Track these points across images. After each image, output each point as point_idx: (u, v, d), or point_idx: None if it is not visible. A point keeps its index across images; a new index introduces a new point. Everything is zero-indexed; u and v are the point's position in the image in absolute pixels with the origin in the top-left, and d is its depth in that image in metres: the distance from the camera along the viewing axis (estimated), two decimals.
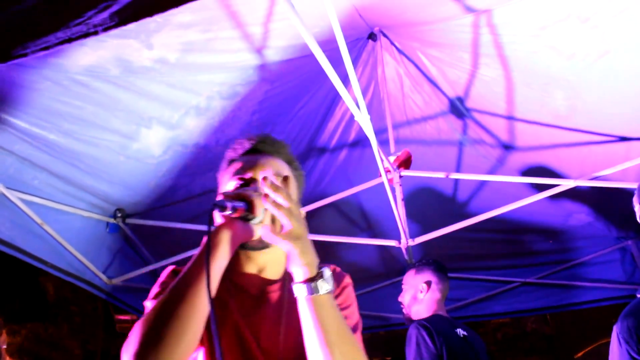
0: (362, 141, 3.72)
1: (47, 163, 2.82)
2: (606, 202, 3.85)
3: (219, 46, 2.40)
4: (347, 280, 1.39)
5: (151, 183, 3.23)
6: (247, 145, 1.37)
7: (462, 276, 4.65)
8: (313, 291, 1.09)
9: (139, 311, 3.86)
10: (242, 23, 2.29)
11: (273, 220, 1.12)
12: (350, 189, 3.55)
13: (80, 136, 2.68)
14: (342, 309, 1.28)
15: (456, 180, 3.97)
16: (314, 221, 3.38)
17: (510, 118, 3.36)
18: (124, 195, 3.32)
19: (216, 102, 2.79)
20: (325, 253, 3.97)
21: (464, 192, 4.07)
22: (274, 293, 1.31)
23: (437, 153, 3.82)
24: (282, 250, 1.31)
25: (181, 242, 3.57)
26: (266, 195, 1.09)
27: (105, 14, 1.31)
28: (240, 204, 1.12)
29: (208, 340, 1.20)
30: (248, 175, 1.28)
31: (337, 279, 1.35)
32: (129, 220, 3.54)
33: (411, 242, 3.26)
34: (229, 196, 1.14)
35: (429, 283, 2.83)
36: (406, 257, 3.36)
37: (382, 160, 2.96)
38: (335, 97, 3.42)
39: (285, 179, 1.31)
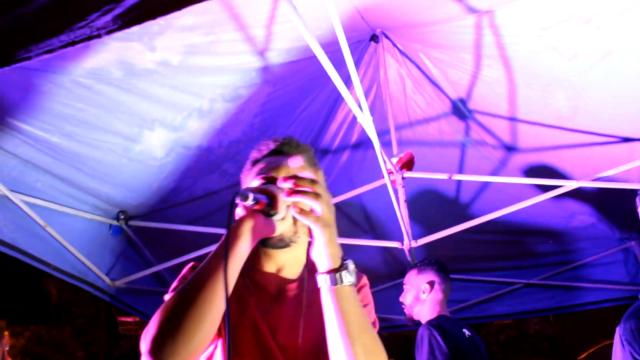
0: (364, 143, 3.72)
1: (50, 165, 2.83)
2: (609, 203, 3.85)
3: (221, 49, 2.41)
4: (365, 280, 1.41)
5: (154, 185, 3.24)
6: (271, 146, 1.38)
7: (465, 277, 4.64)
8: (337, 282, 1.10)
9: (142, 313, 3.86)
10: (245, 25, 2.29)
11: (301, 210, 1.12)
12: (352, 191, 3.55)
13: (83, 138, 2.69)
14: None
15: (459, 182, 3.97)
16: None
17: (512, 119, 3.36)
18: (126, 197, 3.32)
19: (219, 105, 2.79)
20: None
21: (466, 193, 4.06)
22: (292, 292, 1.32)
23: (440, 154, 3.81)
24: (301, 251, 1.33)
25: (184, 244, 3.57)
26: (294, 189, 1.10)
27: (108, 17, 1.31)
28: (262, 197, 1.12)
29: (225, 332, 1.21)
30: (271, 175, 1.28)
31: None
32: (132, 223, 3.55)
33: (414, 244, 3.26)
34: (252, 189, 1.14)
35: (431, 283, 2.81)
36: (409, 258, 3.35)
37: (384, 162, 2.96)
38: (338, 99, 3.42)
39: (316, 171, 1.32)
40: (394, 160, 3.20)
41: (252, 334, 1.23)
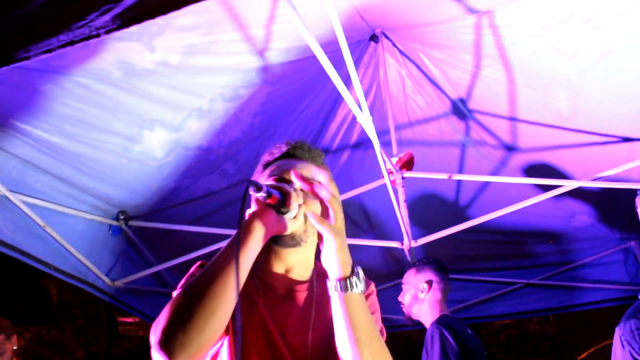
0: (364, 143, 3.71)
1: (50, 166, 2.83)
2: (609, 203, 3.85)
3: (221, 49, 2.41)
4: (373, 287, 1.41)
5: (153, 185, 3.24)
6: (284, 149, 1.39)
7: (465, 277, 4.64)
8: (347, 289, 1.11)
9: (142, 313, 3.86)
10: (244, 25, 2.29)
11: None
12: (352, 191, 3.54)
13: (83, 139, 2.68)
14: None
15: (459, 182, 3.97)
16: None
17: (512, 119, 3.36)
18: (126, 197, 3.32)
19: (218, 105, 2.79)
20: None
21: (466, 193, 4.06)
22: (301, 293, 1.32)
23: (440, 154, 3.81)
24: (310, 253, 1.34)
25: (183, 244, 3.57)
26: (311, 189, 1.11)
27: (107, 17, 1.31)
28: (275, 192, 1.13)
29: (233, 329, 1.21)
30: (283, 177, 1.29)
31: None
32: (132, 223, 3.54)
33: (414, 244, 3.26)
34: (265, 184, 1.14)
35: (430, 282, 2.81)
36: (409, 258, 3.35)
37: (384, 162, 2.96)
38: (338, 99, 3.42)
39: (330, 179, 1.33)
40: (394, 160, 3.20)
41: (260, 333, 1.23)
